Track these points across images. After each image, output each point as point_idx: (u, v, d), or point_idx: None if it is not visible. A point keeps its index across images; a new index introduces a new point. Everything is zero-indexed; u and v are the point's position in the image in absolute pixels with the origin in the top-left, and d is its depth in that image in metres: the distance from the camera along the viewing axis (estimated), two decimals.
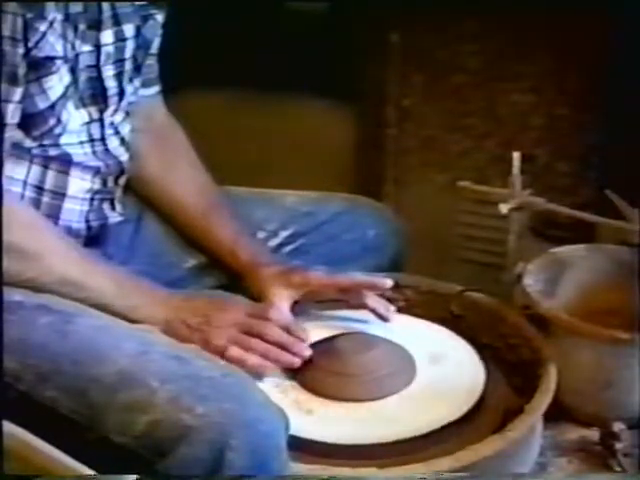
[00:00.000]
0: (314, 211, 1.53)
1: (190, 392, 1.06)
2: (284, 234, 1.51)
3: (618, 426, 1.33)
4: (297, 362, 1.26)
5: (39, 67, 1.17)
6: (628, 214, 1.46)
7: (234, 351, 1.22)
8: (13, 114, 1.16)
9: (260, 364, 1.23)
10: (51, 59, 1.17)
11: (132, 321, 1.20)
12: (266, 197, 1.55)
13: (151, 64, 1.42)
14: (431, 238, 1.88)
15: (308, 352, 1.27)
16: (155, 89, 1.47)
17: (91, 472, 1.02)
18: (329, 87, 2.22)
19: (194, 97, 2.24)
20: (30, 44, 1.14)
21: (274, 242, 1.51)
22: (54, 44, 1.17)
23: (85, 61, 1.25)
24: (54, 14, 1.16)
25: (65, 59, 1.20)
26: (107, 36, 1.26)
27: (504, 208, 1.50)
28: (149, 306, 1.23)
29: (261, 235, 1.50)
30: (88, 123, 1.29)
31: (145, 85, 1.42)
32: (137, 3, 1.31)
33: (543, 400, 1.24)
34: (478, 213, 1.61)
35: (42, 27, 1.14)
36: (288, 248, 1.51)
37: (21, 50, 1.13)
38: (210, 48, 2.26)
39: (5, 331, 1.06)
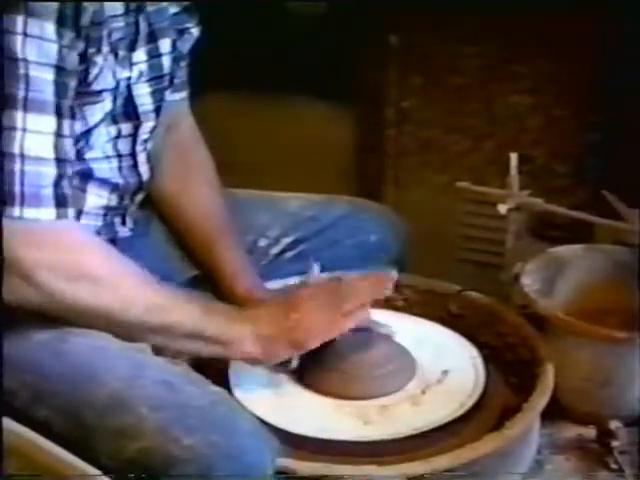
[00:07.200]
0: (317, 216, 1.52)
1: (178, 422, 1.05)
2: (286, 241, 1.50)
3: (615, 424, 1.34)
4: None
5: (87, 97, 1.16)
6: (625, 214, 1.47)
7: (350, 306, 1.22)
8: (71, 148, 1.12)
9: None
10: (100, 92, 1.17)
11: (223, 343, 1.18)
12: (269, 201, 1.53)
13: (181, 67, 1.38)
14: (430, 238, 1.88)
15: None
16: (183, 94, 1.43)
17: (95, 471, 1.03)
18: (329, 89, 2.22)
19: (193, 99, 2.24)
20: (90, 78, 1.13)
21: (276, 249, 1.50)
22: (106, 77, 1.16)
23: (123, 84, 1.22)
24: (106, 47, 1.15)
25: (112, 90, 1.19)
26: (139, 55, 1.24)
27: (502, 208, 1.51)
28: (236, 324, 1.20)
29: (263, 242, 1.49)
30: (116, 138, 1.26)
31: (174, 90, 1.37)
32: (173, 16, 1.29)
33: (541, 399, 1.24)
34: (477, 213, 1.61)
35: (100, 60, 1.14)
36: (290, 254, 1.50)
37: (75, 83, 1.11)
38: (209, 50, 2.26)
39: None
